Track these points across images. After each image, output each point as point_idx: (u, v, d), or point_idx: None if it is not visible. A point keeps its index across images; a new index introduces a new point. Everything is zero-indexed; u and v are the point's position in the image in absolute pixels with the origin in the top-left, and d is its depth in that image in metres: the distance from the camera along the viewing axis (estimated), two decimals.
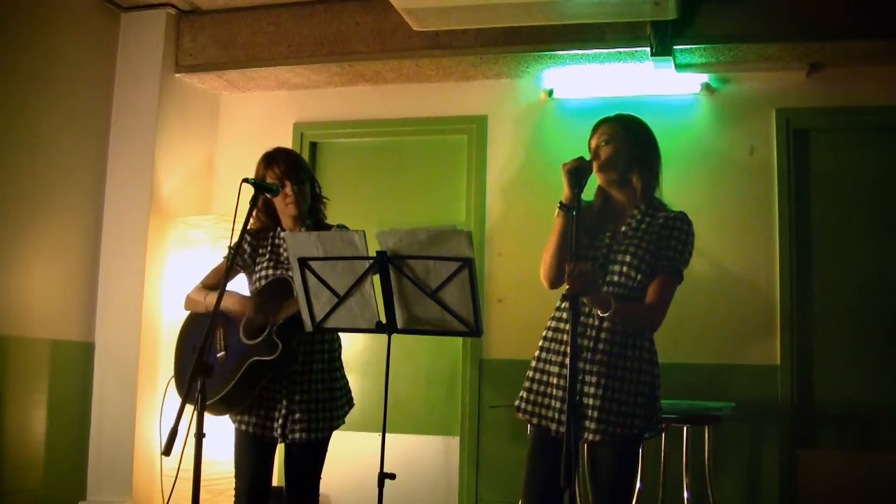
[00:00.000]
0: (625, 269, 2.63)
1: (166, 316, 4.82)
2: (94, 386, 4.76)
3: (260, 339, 2.94)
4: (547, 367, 2.69)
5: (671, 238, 2.66)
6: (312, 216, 3.19)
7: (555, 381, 2.65)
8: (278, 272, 3.07)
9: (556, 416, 2.63)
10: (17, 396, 4.33)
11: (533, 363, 2.76)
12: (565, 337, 2.63)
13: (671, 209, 2.74)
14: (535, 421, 2.70)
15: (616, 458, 2.62)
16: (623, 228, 2.70)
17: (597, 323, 2.64)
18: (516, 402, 2.78)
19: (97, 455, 4.72)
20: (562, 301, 2.78)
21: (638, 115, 2.85)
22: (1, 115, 4.25)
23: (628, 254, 2.64)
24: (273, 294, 3.01)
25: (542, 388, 2.70)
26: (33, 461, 4.42)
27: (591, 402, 2.60)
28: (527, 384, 2.75)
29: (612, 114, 2.84)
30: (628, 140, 2.72)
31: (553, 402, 2.65)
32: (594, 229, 2.72)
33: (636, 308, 2.63)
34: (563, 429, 2.55)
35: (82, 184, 4.78)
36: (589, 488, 2.78)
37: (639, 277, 2.63)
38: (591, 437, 2.60)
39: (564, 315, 2.67)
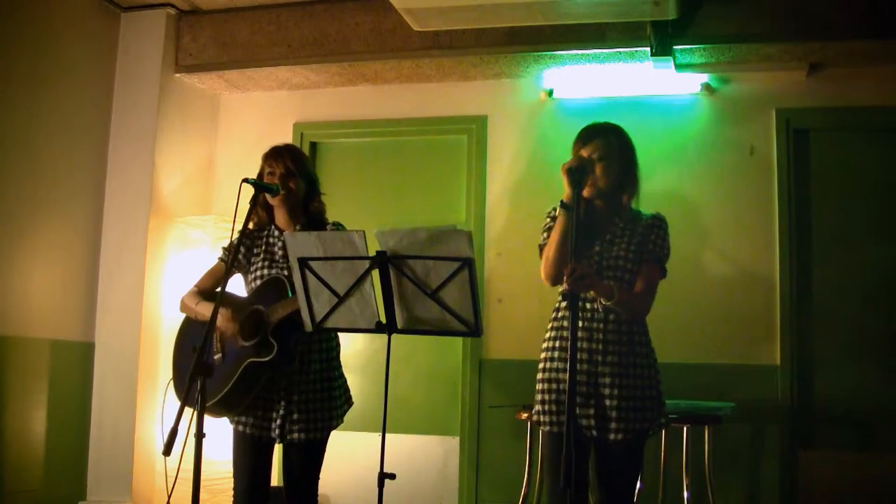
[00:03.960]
0: (618, 273, 2.75)
1: (166, 316, 4.81)
2: (94, 386, 4.76)
3: (255, 340, 2.94)
4: (559, 375, 2.75)
5: (650, 234, 2.80)
6: (307, 214, 3.18)
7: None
8: (273, 271, 3.06)
9: (581, 421, 2.69)
10: (17, 396, 4.33)
11: (542, 374, 2.81)
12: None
13: (646, 213, 2.87)
14: (555, 429, 2.74)
15: (631, 455, 2.74)
16: (608, 237, 2.82)
17: (602, 326, 2.73)
18: (535, 417, 2.83)
19: (97, 455, 4.71)
20: (561, 301, 2.80)
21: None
22: (1, 115, 4.25)
23: (619, 258, 2.77)
24: (268, 294, 3.00)
25: (556, 397, 2.75)
26: (33, 461, 4.42)
27: (609, 402, 2.69)
28: (539, 396, 2.80)
29: (599, 121, 2.91)
30: (621, 157, 2.81)
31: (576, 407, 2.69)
32: (580, 242, 2.76)
33: (631, 295, 2.75)
34: (595, 432, 2.69)
35: (82, 184, 4.78)
36: (593, 486, 2.79)
37: (630, 278, 2.76)
38: (613, 436, 2.68)
39: (566, 322, 2.73)
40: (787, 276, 4.53)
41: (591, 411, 2.69)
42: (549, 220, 2.89)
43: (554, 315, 2.85)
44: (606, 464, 2.74)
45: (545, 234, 2.87)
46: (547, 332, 2.85)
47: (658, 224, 2.83)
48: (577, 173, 2.66)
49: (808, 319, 4.55)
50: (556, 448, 2.70)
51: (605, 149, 2.79)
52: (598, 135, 2.82)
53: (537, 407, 2.80)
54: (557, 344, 2.78)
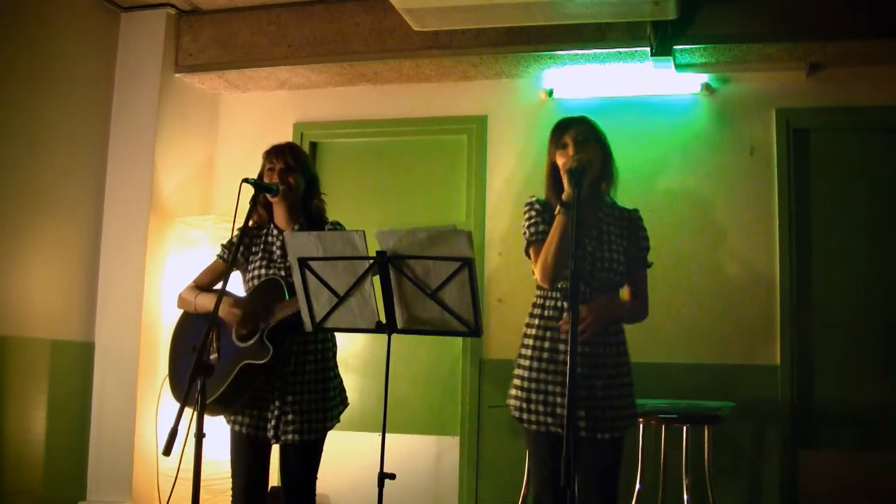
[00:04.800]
0: (611, 274, 2.80)
1: (166, 316, 4.82)
2: (94, 386, 4.76)
3: (251, 342, 2.93)
4: (548, 376, 2.75)
5: (635, 234, 2.88)
6: (307, 212, 3.17)
7: (559, 389, 2.71)
8: (271, 272, 3.05)
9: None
10: (17, 396, 4.33)
11: (528, 372, 2.80)
12: (561, 346, 2.72)
13: (622, 206, 2.92)
14: (542, 429, 2.74)
15: (620, 448, 2.80)
16: (595, 233, 2.83)
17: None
18: (515, 413, 2.82)
19: (97, 455, 4.71)
20: (548, 299, 2.79)
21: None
22: (1, 114, 4.25)
23: (614, 261, 2.80)
24: (264, 295, 2.99)
25: (544, 398, 2.74)
26: (33, 461, 4.42)
27: (604, 402, 2.73)
28: (524, 394, 2.79)
29: (574, 115, 2.93)
30: (601, 145, 2.85)
31: (562, 408, 2.69)
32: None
33: (635, 306, 2.87)
34: (584, 432, 2.71)
35: (82, 184, 4.78)
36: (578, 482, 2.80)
37: (622, 269, 2.82)
38: (610, 434, 2.73)
39: (553, 323, 2.76)
40: (787, 276, 4.53)
41: (583, 412, 2.70)
42: (533, 213, 2.87)
43: (539, 312, 2.83)
44: (597, 460, 2.74)
45: (531, 230, 2.85)
46: (530, 328, 2.84)
47: (641, 224, 2.90)
48: (578, 173, 2.65)
49: (808, 319, 4.55)
50: (540, 445, 2.75)
51: (585, 136, 2.82)
52: (576, 123, 2.85)
53: (521, 404, 2.78)
54: (547, 344, 2.77)
